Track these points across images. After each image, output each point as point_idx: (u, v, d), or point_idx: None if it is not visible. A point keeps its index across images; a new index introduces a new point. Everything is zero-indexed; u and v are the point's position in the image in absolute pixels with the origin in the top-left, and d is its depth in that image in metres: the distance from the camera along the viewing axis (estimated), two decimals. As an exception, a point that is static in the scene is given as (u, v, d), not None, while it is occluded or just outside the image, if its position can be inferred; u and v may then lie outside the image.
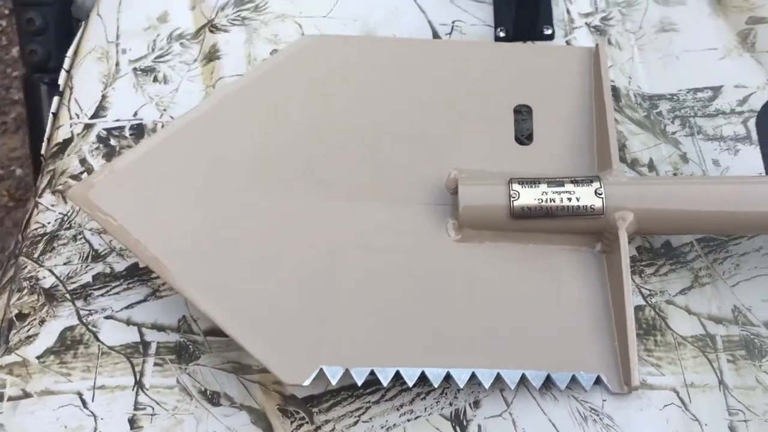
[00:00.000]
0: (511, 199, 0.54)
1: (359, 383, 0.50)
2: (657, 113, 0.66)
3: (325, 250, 0.54)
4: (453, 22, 0.70)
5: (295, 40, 0.60)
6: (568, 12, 0.70)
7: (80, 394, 0.55)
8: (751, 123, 0.65)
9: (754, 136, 0.64)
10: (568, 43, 0.68)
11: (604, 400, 0.52)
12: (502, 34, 0.68)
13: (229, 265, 0.53)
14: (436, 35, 0.69)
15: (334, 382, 0.50)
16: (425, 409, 0.53)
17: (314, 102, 0.59)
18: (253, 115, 0.58)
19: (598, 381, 0.52)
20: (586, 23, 0.70)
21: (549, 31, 0.68)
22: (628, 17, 0.71)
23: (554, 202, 0.54)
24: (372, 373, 0.51)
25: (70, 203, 0.64)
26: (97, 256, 0.61)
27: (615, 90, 0.66)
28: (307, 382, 0.50)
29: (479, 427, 0.52)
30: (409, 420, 0.52)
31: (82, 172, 0.66)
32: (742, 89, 0.66)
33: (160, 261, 0.52)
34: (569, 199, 0.54)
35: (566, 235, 0.55)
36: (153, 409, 0.54)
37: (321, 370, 0.50)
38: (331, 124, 0.58)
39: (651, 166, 0.63)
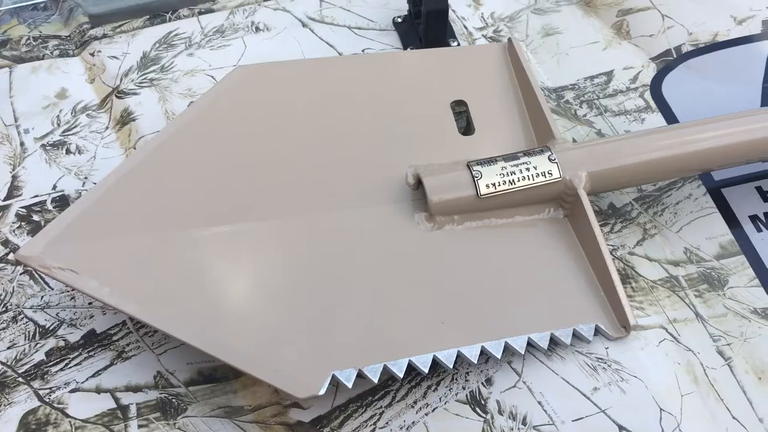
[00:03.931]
0: (475, 179, 0.55)
1: (375, 381, 0.48)
2: (565, 102, 0.71)
3: (306, 265, 0.53)
4: (363, 50, 0.73)
5: (229, 72, 0.60)
6: (465, 27, 0.75)
7: (64, 475, 0.48)
8: (647, 95, 0.71)
9: (653, 104, 0.70)
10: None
11: (606, 348, 0.53)
12: (412, 53, 0.71)
13: (212, 296, 0.50)
14: (347, 65, 0.71)
15: (350, 385, 0.48)
16: (440, 399, 0.51)
17: (260, 128, 0.58)
18: (203, 147, 0.56)
19: (596, 332, 0.53)
20: (483, 35, 0.75)
21: (455, 44, 0.72)
22: (514, 29, 0.77)
23: (514, 174, 0.56)
24: (385, 369, 0.49)
25: (1, 286, 0.58)
26: (45, 332, 0.55)
27: (525, 86, 0.71)
28: (322, 392, 0.47)
29: (498, 402, 0.51)
30: (427, 414, 0.51)
31: (7, 254, 0.60)
32: (630, 70, 0.73)
33: (141, 307, 0.48)
34: (527, 169, 0.56)
35: (530, 206, 0.57)
36: (150, 471, 0.49)
37: (333, 376, 0.48)
38: (280, 146, 0.58)
39: (576, 145, 0.67)
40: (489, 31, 0.76)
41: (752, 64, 0.73)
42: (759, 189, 0.64)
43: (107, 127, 0.69)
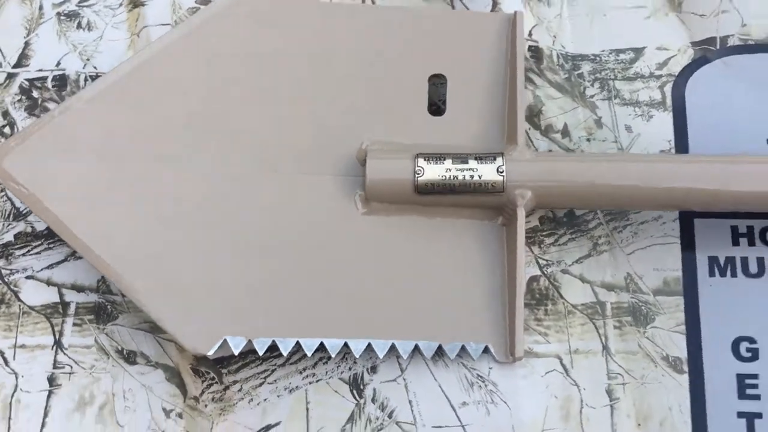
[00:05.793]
0: (416, 175, 0.55)
1: (260, 353, 0.54)
2: (578, 75, 0.66)
3: (231, 222, 0.56)
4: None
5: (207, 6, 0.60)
6: (499, -37, 0.69)
7: (2, 353, 0.58)
8: (668, 88, 0.65)
9: (669, 101, 0.65)
10: (494, 0, 0.67)
11: (490, 368, 0.55)
12: (429, -11, 0.67)
13: (137, 233, 0.55)
14: (362, -13, 0.68)
15: (236, 352, 0.53)
16: (326, 372, 0.56)
17: (225, 69, 0.59)
18: (169, 82, 0.58)
19: (487, 350, 0.55)
20: (517, -25, 0.69)
21: (472, -12, 0.67)
22: (563, -33, 0.69)
23: (457, 178, 0.55)
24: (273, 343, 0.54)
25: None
26: (18, 215, 0.62)
27: (538, 51, 0.66)
28: (210, 353, 0.53)
29: (374, 390, 0.55)
30: (311, 383, 0.56)
31: (4, 126, 0.66)
32: (663, 51, 0.66)
33: (66, 226, 0.54)
34: (471, 177, 0.55)
35: (469, 209, 0.57)
36: (71, 367, 0.57)
37: (225, 340, 0.53)
38: (244, 92, 0.59)
39: (565, 132, 0.64)
40: (528, -31, 0.69)
41: (799, 79, 0.64)
42: (733, 229, 0.61)
43: (121, 4, 0.70)
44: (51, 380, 0.57)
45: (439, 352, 0.55)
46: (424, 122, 0.59)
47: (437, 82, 0.60)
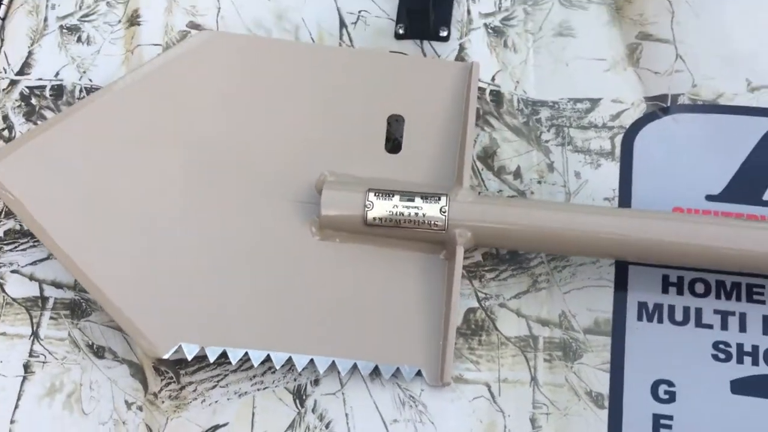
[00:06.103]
0: (366, 209, 0.60)
1: (211, 360, 0.59)
2: (536, 120, 0.71)
3: (194, 237, 0.62)
4: (359, 12, 0.74)
5: (192, 36, 0.65)
6: (469, 12, 0.73)
7: (-18, 341, 0.64)
8: (618, 139, 0.70)
9: (618, 152, 0.69)
10: (461, 45, 0.72)
11: (422, 390, 0.61)
12: (401, 31, 0.72)
13: (108, 242, 0.61)
14: (342, 23, 0.73)
15: (189, 357, 0.59)
16: (273, 381, 0.62)
17: (203, 97, 0.64)
18: (145, 106, 0.64)
19: (420, 373, 0.60)
20: (484, 24, 0.73)
21: (444, 33, 0.71)
22: (531, 16, 0.74)
23: (403, 215, 0.60)
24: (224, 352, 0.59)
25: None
26: (9, 213, 0.68)
27: (498, 95, 0.71)
28: (166, 356, 0.59)
29: (315, 402, 0.61)
30: (258, 389, 0.61)
31: (3, 129, 0.72)
32: (617, 104, 0.71)
33: (45, 230, 0.60)
34: (416, 214, 0.60)
35: (415, 242, 0.62)
36: (45, 357, 0.63)
37: (180, 346, 0.59)
38: (216, 119, 0.64)
39: (517, 174, 0.69)
40: (497, 18, 0.74)
41: (741, 140, 0.68)
42: (665, 278, 0.65)
43: (119, 21, 0.76)
44: (26, 367, 0.63)
45: (377, 372, 0.60)
46: (381, 159, 0.64)
47: (398, 119, 0.65)
